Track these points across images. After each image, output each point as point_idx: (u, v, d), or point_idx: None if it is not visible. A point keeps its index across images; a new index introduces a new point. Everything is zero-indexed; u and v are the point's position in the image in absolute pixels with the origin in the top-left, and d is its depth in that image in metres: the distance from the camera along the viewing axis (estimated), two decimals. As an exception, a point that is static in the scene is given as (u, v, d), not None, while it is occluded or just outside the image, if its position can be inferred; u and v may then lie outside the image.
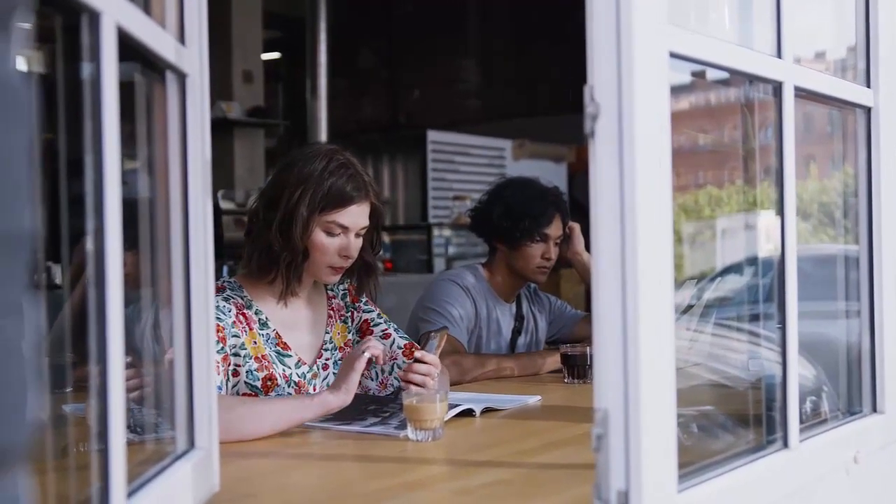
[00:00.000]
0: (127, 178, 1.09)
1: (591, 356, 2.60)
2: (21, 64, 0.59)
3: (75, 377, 1.59)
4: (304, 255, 2.14)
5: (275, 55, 9.55)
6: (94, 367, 0.99)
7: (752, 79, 1.51)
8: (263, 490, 1.54)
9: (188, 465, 1.28)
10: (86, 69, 0.99)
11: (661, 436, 1.18)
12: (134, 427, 1.36)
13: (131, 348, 1.11)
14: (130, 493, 1.07)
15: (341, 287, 2.36)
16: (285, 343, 2.19)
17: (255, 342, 2.14)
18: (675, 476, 1.21)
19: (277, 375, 2.14)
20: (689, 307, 2.06)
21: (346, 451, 1.77)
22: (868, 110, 1.77)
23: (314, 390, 2.20)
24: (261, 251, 2.15)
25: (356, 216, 2.16)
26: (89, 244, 0.99)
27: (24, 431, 0.56)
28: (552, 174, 7.57)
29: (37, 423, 0.59)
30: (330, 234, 2.14)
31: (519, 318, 3.10)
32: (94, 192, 0.98)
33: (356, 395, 2.16)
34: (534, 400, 2.31)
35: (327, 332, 2.29)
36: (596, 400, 1.16)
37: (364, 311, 2.37)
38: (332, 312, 2.33)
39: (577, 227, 3.06)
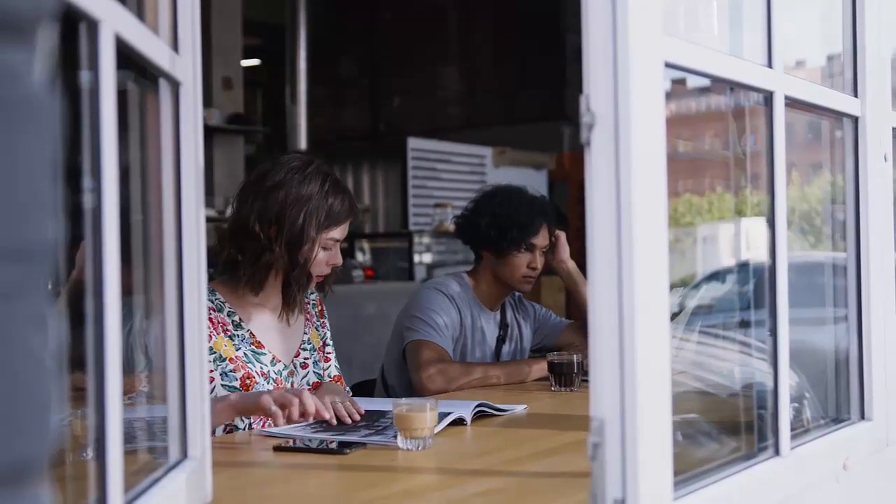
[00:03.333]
0: (119, 186, 1.08)
1: (577, 364, 2.60)
2: (44, 74, 0.59)
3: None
4: (309, 274, 2.23)
5: (254, 62, 9.54)
6: (92, 378, 0.98)
7: (745, 88, 1.52)
8: (255, 500, 1.53)
9: (182, 476, 1.27)
10: (83, 77, 0.99)
11: (657, 444, 1.18)
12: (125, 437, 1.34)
13: (122, 357, 1.10)
14: (126, 505, 1.06)
15: (313, 296, 2.45)
16: (259, 342, 2.24)
17: (226, 345, 2.17)
18: (670, 484, 1.21)
19: (255, 373, 2.19)
20: (674, 315, 2.07)
21: (338, 461, 1.76)
22: (855, 119, 1.79)
23: (292, 387, 2.27)
24: (263, 269, 2.20)
25: (346, 228, 2.29)
26: (87, 252, 0.98)
27: (47, 444, 0.56)
28: (533, 181, 7.58)
29: (59, 435, 0.58)
30: (325, 248, 2.24)
31: (503, 326, 3.10)
32: (94, 200, 0.97)
33: None
34: (521, 409, 2.31)
35: (305, 333, 2.37)
36: (592, 409, 1.16)
37: (327, 329, 2.47)
38: (308, 315, 2.41)
39: (562, 235, 3.07)
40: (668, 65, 1.23)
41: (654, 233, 1.18)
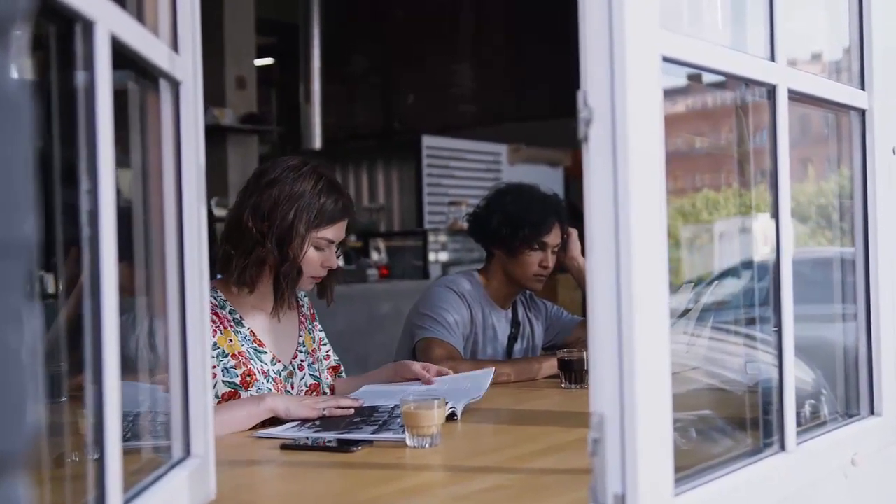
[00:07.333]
0: (120, 187, 1.09)
1: (588, 361, 2.59)
2: (19, 73, 0.59)
3: (70, 386, 1.59)
4: (299, 270, 2.23)
5: (268, 61, 9.55)
6: (90, 377, 0.99)
7: (746, 82, 1.52)
8: (259, 498, 1.53)
9: (184, 473, 1.28)
10: (79, 77, 0.99)
11: (657, 439, 1.17)
12: (128, 435, 1.35)
13: (126, 357, 1.10)
14: (127, 502, 1.06)
15: (306, 299, 2.48)
16: (260, 341, 2.27)
17: (231, 340, 2.20)
18: (671, 479, 1.21)
19: (255, 371, 2.21)
20: (687, 311, 2.06)
21: (344, 458, 1.76)
22: (862, 112, 1.78)
23: (291, 388, 2.30)
24: (254, 264, 2.22)
25: (341, 231, 2.29)
26: (84, 253, 0.99)
27: (23, 439, 0.56)
28: (548, 178, 7.58)
29: (36, 431, 0.59)
30: (318, 248, 2.25)
31: (515, 324, 3.09)
32: (90, 200, 0.97)
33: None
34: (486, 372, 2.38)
35: (300, 336, 2.39)
36: (592, 404, 1.16)
37: (318, 331, 2.50)
38: (303, 319, 2.43)
39: (574, 232, 3.06)
40: (666, 59, 1.22)
41: (652, 228, 1.17)
